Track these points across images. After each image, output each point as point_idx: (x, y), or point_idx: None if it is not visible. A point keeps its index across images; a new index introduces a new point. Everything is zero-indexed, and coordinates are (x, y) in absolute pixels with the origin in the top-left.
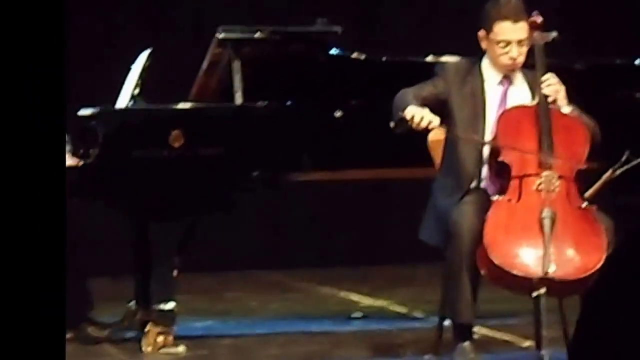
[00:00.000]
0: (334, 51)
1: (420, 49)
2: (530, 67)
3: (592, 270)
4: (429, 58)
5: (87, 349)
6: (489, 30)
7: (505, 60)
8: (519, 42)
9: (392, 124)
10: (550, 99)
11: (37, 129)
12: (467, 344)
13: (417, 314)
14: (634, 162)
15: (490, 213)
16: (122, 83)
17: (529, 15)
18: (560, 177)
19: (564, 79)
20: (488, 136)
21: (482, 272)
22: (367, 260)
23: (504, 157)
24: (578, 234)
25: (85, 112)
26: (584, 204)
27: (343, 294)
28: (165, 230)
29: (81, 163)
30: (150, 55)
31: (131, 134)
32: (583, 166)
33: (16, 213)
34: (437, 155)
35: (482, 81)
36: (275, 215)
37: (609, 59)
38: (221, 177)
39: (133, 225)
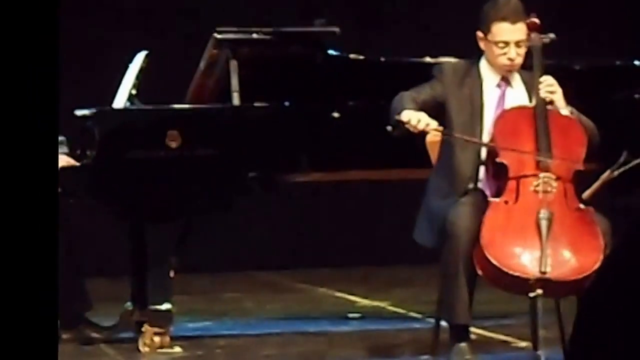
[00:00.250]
0: (332, 52)
1: (419, 50)
2: (528, 69)
3: (589, 272)
4: (427, 59)
5: (84, 350)
6: (487, 31)
7: (503, 61)
8: (517, 43)
9: (389, 128)
10: (547, 101)
11: (30, 129)
12: (463, 344)
13: (414, 314)
14: (632, 163)
15: (487, 214)
16: (119, 83)
17: (528, 16)
18: (557, 178)
19: (562, 80)
20: (486, 138)
21: (479, 272)
22: (364, 261)
23: (501, 158)
24: (575, 235)
25: (82, 112)
26: (582, 205)
27: (340, 294)
28: (162, 231)
29: (78, 163)
30: (147, 56)
31: (128, 135)
32: (581, 167)
33: (8, 213)
34: (435, 155)
35: (480, 82)
36: (272, 216)
37: (607, 60)
38: (218, 178)
39: (130, 225)
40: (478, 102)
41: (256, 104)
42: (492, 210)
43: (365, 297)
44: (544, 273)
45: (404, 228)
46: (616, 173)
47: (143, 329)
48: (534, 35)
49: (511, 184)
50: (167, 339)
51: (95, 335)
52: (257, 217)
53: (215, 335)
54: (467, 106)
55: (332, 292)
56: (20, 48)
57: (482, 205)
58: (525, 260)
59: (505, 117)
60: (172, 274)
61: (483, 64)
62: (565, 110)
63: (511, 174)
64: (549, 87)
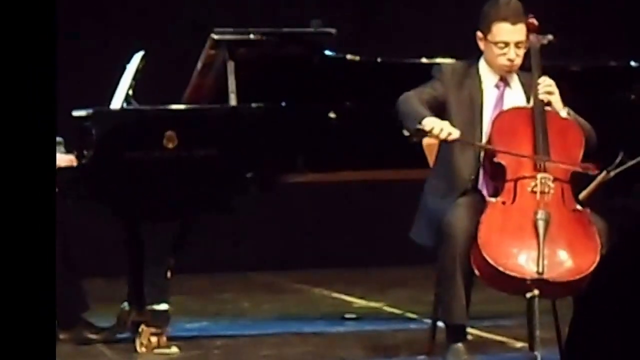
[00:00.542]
0: (328, 52)
1: (416, 51)
2: (526, 70)
3: (586, 273)
4: (423, 60)
5: (81, 350)
6: (487, 31)
7: (503, 61)
8: (517, 44)
9: (406, 133)
10: (545, 102)
11: (27, 129)
12: (460, 345)
13: (411, 315)
14: (628, 164)
15: (485, 214)
16: (116, 84)
17: (527, 17)
18: (555, 179)
19: (558, 81)
20: (485, 138)
21: (476, 272)
22: (360, 262)
23: (499, 159)
24: (572, 236)
25: (79, 112)
26: (579, 207)
27: (336, 295)
28: (158, 231)
29: (76, 163)
30: (144, 57)
31: (125, 135)
32: (578, 169)
33: (6, 213)
34: (432, 157)
35: (479, 83)
36: (269, 217)
37: (603, 61)
38: (215, 179)
39: (127, 226)
40: (478, 103)
41: (253, 105)
42: (490, 211)
43: (362, 298)
44: (541, 274)
45: (400, 229)
46: (612, 174)
47: (140, 330)
48: (532, 36)
49: (509, 185)
50: (164, 339)
51: (92, 335)
52: (254, 218)
53: (212, 336)
54: (467, 107)
55: (328, 293)
56: (18, 48)
57: (479, 205)
58: (522, 260)
59: (502, 117)
60: (169, 274)
61: (482, 65)
62: (562, 111)
63: (509, 174)
64: (547, 88)
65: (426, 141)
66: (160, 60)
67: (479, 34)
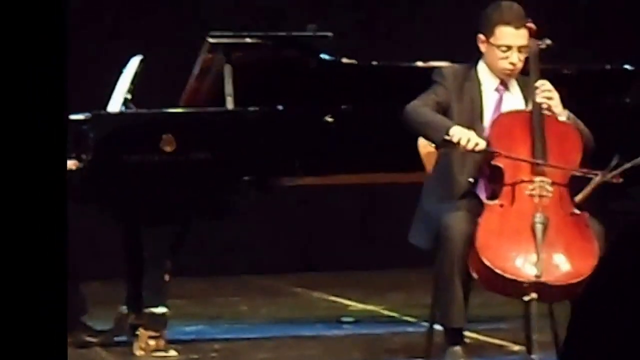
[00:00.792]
0: (324, 56)
1: (412, 54)
2: (524, 74)
3: (584, 276)
4: (419, 63)
5: (79, 353)
6: (490, 34)
7: (505, 65)
8: (519, 49)
9: (433, 146)
10: (544, 106)
11: (38, 132)
12: (457, 348)
13: (408, 318)
14: (624, 167)
15: (482, 217)
16: (113, 88)
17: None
18: (553, 183)
19: (554, 84)
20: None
21: (474, 275)
22: (357, 265)
23: (497, 162)
24: (570, 240)
25: (77, 116)
26: (576, 210)
27: (333, 298)
28: (156, 234)
29: (73, 167)
30: (141, 61)
31: (123, 139)
32: (576, 172)
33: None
34: (430, 165)
35: (479, 87)
36: (266, 220)
37: (597, 65)
38: (212, 182)
39: (125, 229)
40: (478, 106)
41: (250, 108)
42: (488, 214)
43: (359, 301)
44: (539, 277)
45: (397, 232)
46: (608, 177)
47: (138, 333)
48: (530, 40)
49: (507, 188)
50: (162, 342)
51: (90, 338)
52: (251, 221)
53: (210, 339)
54: (468, 110)
55: (326, 296)
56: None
57: (477, 209)
58: (520, 263)
59: (501, 120)
60: (167, 277)
61: (481, 68)
62: (562, 115)
63: (507, 177)
64: (546, 92)
65: (426, 150)
66: (157, 64)
67: (481, 36)
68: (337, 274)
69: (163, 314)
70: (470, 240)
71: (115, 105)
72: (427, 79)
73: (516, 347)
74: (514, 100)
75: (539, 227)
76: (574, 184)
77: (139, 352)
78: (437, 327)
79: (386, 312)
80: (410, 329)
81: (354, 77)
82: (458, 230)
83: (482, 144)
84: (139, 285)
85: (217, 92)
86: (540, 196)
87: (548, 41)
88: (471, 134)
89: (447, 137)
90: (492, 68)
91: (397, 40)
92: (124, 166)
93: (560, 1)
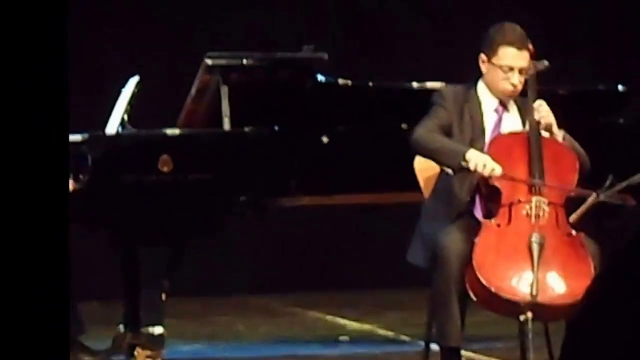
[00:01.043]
0: (320, 77)
1: (408, 75)
2: (521, 95)
3: (579, 297)
4: (415, 84)
5: None
6: (492, 54)
7: (506, 86)
8: (521, 71)
9: (450, 172)
10: (541, 126)
11: (41, 151)
12: None
13: (404, 337)
14: (618, 187)
15: (479, 237)
16: (111, 108)
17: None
18: (549, 203)
19: (549, 105)
20: None
21: (471, 294)
22: (354, 285)
23: (494, 182)
24: (566, 260)
25: (75, 137)
26: (572, 230)
27: (330, 317)
28: (154, 254)
29: (71, 188)
30: (139, 82)
31: (121, 159)
32: (572, 193)
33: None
34: (429, 189)
35: (479, 107)
36: (263, 240)
37: (591, 85)
38: (209, 202)
39: (122, 249)
40: (479, 127)
41: (247, 129)
42: (485, 233)
43: (356, 320)
44: (535, 297)
45: (393, 251)
46: (602, 197)
47: (136, 352)
48: (530, 62)
49: (504, 207)
50: None
51: (88, 358)
52: (248, 241)
53: (208, 358)
54: (469, 131)
55: (322, 315)
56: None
57: (474, 228)
58: (517, 283)
59: (499, 141)
60: (164, 297)
61: (481, 88)
62: (558, 136)
63: (504, 197)
64: (543, 113)
65: (425, 175)
66: (155, 84)
67: (483, 56)
68: (333, 294)
69: (160, 334)
70: (466, 260)
71: (113, 126)
72: (423, 99)
73: None
74: (513, 120)
75: (535, 247)
76: (570, 204)
77: None
78: (434, 346)
79: (382, 331)
80: (406, 348)
81: (350, 98)
82: (454, 250)
83: (498, 170)
84: (136, 305)
85: (214, 113)
86: (537, 216)
87: (546, 63)
88: (487, 160)
89: (464, 164)
90: (492, 88)
91: (393, 61)
92: (121, 187)
93: (555, 22)
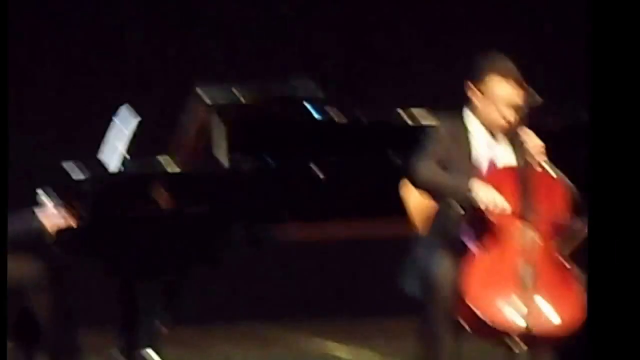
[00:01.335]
0: (314, 113)
1: (398, 105)
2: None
3: (572, 328)
4: (405, 118)
5: None
6: (485, 88)
7: (499, 121)
8: (515, 107)
9: (462, 212)
10: (532, 159)
11: None
12: None
13: None
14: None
15: (470, 267)
16: (103, 135)
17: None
18: (541, 234)
19: (539, 139)
20: None
21: (462, 323)
22: (347, 313)
23: (485, 213)
24: (556, 290)
25: (77, 176)
26: (563, 261)
27: (324, 346)
28: (152, 286)
29: (71, 222)
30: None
31: (121, 196)
32: (562, 223)
33: None
34: (415, 214)
35: (469, 139)
36: (259, 270)
37: (581, 119)
38: (206, 235)
39: (121, 281)
40: (471, 159)
41: (242, 163)
42: (476, 263)
43: (350, 348)
44: (528, 329)
45: (385, 280)
46: None
47: None
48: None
49: (495, 238)
50: None
51: None
52: (245, 271)
53: None
54: (464, 165)
55: (318, 344)
56: None
57: (465, 258)
58: (508, 313)
59: (491, 175)
60: (161, 327)
61: (471, 120)
62: (549, 169)
63: (495, 227)
64: (535, 146)
65: (424, 215)
66: (149, 113)
67: (475, 89)
68: (329, 322)
69: None
70: (458, 289)
71: (112, 161)
72: (413, 131)
73: None
74: (504, 152)
75: (526, 278)
76: (562, 236)
77: None
78: None
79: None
80: None
81: (343, 131)
82: (446, 280)
83: (507, 208)
84: (134, 334)
85: (210, 148)
86: (528, 247)
87: (538, 98)
88: (497, 198)
89: (476, 204)
90: (483, 120)
91: (384, 91)
92: (121, 222)
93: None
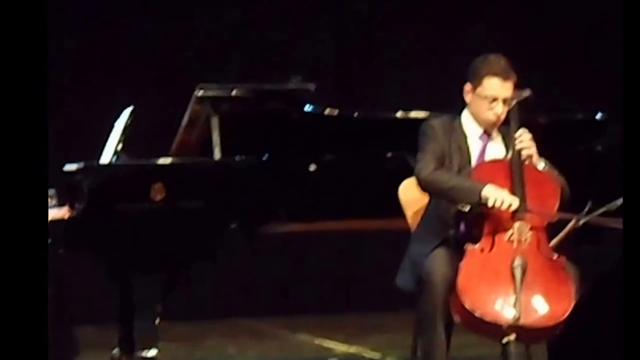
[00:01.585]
0: (308, 107)
1: (393, 105)
2: (504, 123)
3: (561, 319)
4: (399, 114)
5: None
6: (477, 84)
7: (490, 116)
8: (505, 101)
9: (466, 209)
10: (523, 154)
11: (21, 182)
12: None
13: (390, 359)
14: (597, 212)
15: (463, 261)
16: (106, 138)
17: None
18: (531, 228)
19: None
20: None
21: (455, 317)
22: (341, 308)
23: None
24: (547, 283)
25: (70, 167)
26: (554, 254)
27: (318, 340)
28: (148, 280)
29: (67, 216)
30: (132, 112)
31: (115, 188)
32: (553, 218)
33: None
34: (416, 222)
35: (465, 136)
36: (253, 265)
37: (570, 114)
38: (201, 229)
39: (116, 275)
40: (466, 156)
41: (236, 158)
42: (469, 258)
43: (343, 343)
44: (517, 320)
45: (378, 275)
46: (582, 222)
47: None
48: (513, 91)
49: (487, 232)
50: None
51: None
52: (238, 266)
53: None
54: (456, 160)
55: (311, 338)
56: (10, 104)
57: (458, 253)
58: (500, 307)
59: (482, 168)
60: (157, 321)
61: (465, 118)
62: (540, 164)
63: (487, 223)
64: (525, 141)
65: (412, 208)
66: (148, 114)
67: (468, 86)
68: (321, 317)
69: (154, 357)
70: (451, 284)
71: (107, 156)
72: (407, 128)
73: None
74: (496, 148)
75: (518, 271)
76: (551, 229)
77: None
78: None
79: (369, 354)
80: None
81: (337, 127)
82: (439, 275)
83: (516, 203)
84: (130, 329)
85: (205, 142)
86: (519, 241)
87: (528, 92)
88: (505, 195)
89: (483, 202)
90: (476, 117)
91: (378, 91)
92: (115, 215)
93: (534, 50)
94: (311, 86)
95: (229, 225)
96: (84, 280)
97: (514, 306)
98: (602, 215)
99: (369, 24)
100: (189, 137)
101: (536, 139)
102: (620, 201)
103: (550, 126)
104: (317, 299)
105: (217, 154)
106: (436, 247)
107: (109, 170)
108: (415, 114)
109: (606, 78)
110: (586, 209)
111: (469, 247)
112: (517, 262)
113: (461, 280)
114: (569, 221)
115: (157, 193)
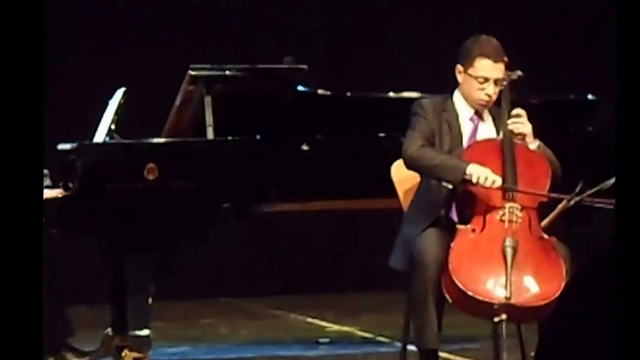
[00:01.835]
0: (300, 88)
1: (386, 85)
2: (496, 104)
3: (551, 299)
4: (391, 94)
5: None
6: (468, 65)
7: (481, 96)
8: (496, 82)
9: (450, 186)
10: (514, 134)
11: (15, 160)
12: None
13: (382, 339)
14: (588, 193)
15: (455, 241)
16: (99, 119)
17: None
18: (522, 208)
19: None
20: None
21: (447, 297)
22: (333, 288)
23: (469, 188)
24: (538, 263)
25: (64, 146)
26: (545, 235)
27: (310, 320)
28: (140, 260)
29: (60, 195)
30: (125, 92)
31: (108, 168)
32: (544, 198)
33: None
34: (407, 201)
35: (456, 117)
36: (245, 245)
37: (562, 95)
38: (194, 209)
39: (110, 255)
40: (457, 136)
41: (229, 138)
42: (460, 238)
43: (335, 323)
44: (508, 299)
45: (370, 256)
46: (572, 202)
47: (123, 354)
48: (504, 72)
49: (479, 213)
50: None
51: (77, 359)
52: (230, 246)
53: None
54: (448, 140)
55: (303, 318)
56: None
57: (450, 233)
58: (491, 286)
59: (474, 148)
60: (150, 301)
61: (457, 99)
62: (532, 144)
63: (479, 203)
64: (517, 122)
65: (403, 187)
66: (140, 95)
67: (459, 67)
68: (313, 297)
69: (147, 336)
70: (443, 264)
71: (100, 135)
72: (399, 108)
73: None
74: (488, 129)
75: (509, 251)
76: (542, 209)
77: None
78: (411, 347)
79: (361, 333)
80: (383, 349)
81: (329, 108)
82: (431, 255)
83: (499, 181)
84: (123, 309)
85: (198, 123)
86: (510, 221)
87: (519, 72)
88: (488, 172)
89: (466, 177)
90: (467, 98)
91: (371, 71)
92: (109, 194)
93: (527, 32)
94: (304, 66)
95: (222, 205)
96: (77, 260)
97: (505, 286)
98: (593, 195)
99: (362, 5)
100: (182, 117)
101: (529, 119)
102: (611, 181)
103: (541, 107)
104: (310, 278)
105: (210, 134)
106: (427, 227)
107: (103, 150)
108: (407, 94)
109: (600, 63)
110: (577, 189)
111: (461, 227)
112: (508, 242)
113: (453, 260)
114: (560, 201)
115: (151, 172)
